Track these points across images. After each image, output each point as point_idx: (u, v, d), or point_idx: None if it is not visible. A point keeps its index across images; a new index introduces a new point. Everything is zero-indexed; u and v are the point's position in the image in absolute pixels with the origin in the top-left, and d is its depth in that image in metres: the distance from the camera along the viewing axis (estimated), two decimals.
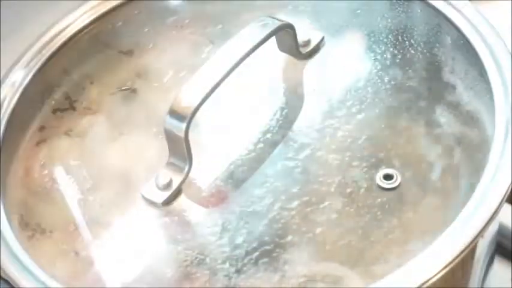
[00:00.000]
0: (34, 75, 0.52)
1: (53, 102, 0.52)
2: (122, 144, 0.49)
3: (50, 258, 0.44)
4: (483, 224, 0.41)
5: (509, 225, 0.58)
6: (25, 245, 0.44)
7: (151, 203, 0.46)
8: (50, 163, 0.49)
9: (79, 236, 0.45)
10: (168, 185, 0.46)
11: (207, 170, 0.47)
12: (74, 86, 0.53)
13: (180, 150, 0.45)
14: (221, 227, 0.44)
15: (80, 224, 0.46)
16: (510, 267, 0.59)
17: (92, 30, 0.54)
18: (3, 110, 0.50)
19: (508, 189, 0.43)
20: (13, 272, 0.43)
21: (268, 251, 0.43)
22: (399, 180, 0.45)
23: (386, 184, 0.45)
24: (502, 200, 0.42)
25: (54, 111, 0.52)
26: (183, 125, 0.44)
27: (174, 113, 0.45)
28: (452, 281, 0.44)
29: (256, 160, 0.47)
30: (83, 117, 0.51)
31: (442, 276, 0.40)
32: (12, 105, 0.50)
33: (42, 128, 0.51)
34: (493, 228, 0.49)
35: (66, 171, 0.49)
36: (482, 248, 0.47)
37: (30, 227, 0.46)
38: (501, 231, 0.52)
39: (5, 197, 0.47)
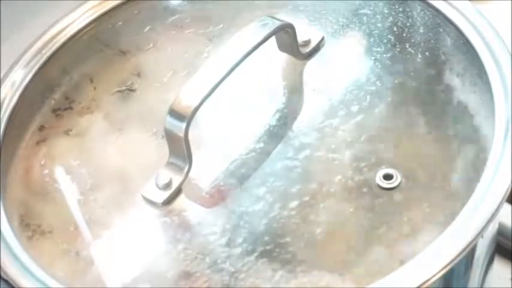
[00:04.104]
0: (34, 75, 0.52)
1: (53, 102, 0.52)
2: (122, 143, 0.49)
3: (50, 258, 0.44)
4: (483, 224, 0.41)
5: (509, 225, 0.58)
6: (25, 245, 0.44)
7: (151, 202, 0.46)
8: (50, 163, 0.49)
9: (79, 236, 0.45)
10: (168, 184, 0.46)
11: (207, 170, 0.47)
12: (73, 85, 0.53)
13: (180, 150, 0.45)
14: (221, 227, 0.44)
15: (80, 224, 0.46)
16: (510, 267, 0.59)
17: (92, 30, 0.54)
18: (3, 110, 0.50)
19: (508, 189, 0.43)
20: (13, 272, 0.43)
21: (268, 251, 0.43)
22: (399, 179, 0.45)
23: (386, 184, 0.45)
24: (502, 200, 0.42)
25: (54, 110, 0.52)
26: (183, 125, 0.44)
27: (174, 113, 0.45)
28: (452, 281, 0.44)
29: (256, 160, 0.47)
30: (82, 116, 0.51)
31: (442, 276, 0.40)
32: (12, 105, 0.50)
33: (42, 128, 0.51)
34: (493, 228, 0.49)
35: (66, 171, 0.49)
36: (482, 247, 0.47)
37: (30, 227, 0.46)
38: (501, 231, 0.52)
39: (5, 197, 0.47)
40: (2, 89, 0.51)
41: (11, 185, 0.48)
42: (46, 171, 0.49)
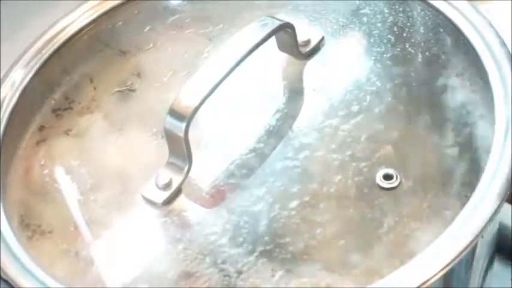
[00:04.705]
0: (34, 75, 0.52)
1: (53, 102, 0.52)
2: (122, 144, 0.49)
3: (50, 258, 0.44)
4: (483, 224, 0.41)
5: (509, 225, 0.58)
6: (25, 245, 0.44)
7: (151, 202, 0.46)
8: (50, 163, 0.49)
9: (79, 236, 0.45)
10: (168, 184, 0.46)
11: (207, 170, 0.47)
12: (73, 85, 0.53)
13: (180, 150, 0.45)
14: (221, 227, 0.44)
15: (79, 224, 0.46)
16: (510, 267, 0.59)
17: (92, 30, 0.54)
18: (3, 110, 0.50)
19: (508, 189, 0.43)
20: (13, 272, 0.43)
21: (268, 251, 0.43)
22: (399, 180, 0.45)
23: (386, 184, 0.45)
24: (502, 200, 0.42)
25: (54, 110, 0.52)
26: (183, 125, 0.44)
27: (174, 113, 0.45)
28: (453, 281, 0.44)
29: (256, 160, 0.47)
30: (82, 116, 0.51)
31: (442, 276, 0.40)
32: (12, 105, 0.50)
33: (42, 128, 0.51)
34: (493, 228, 0.49)
35: (66, 171, 0.48)
36: (482, 248, 0.47)
37: (30, 227, 0.46)
38: (501, 231, 0.52)
39: (5, 197, 0.47)
40: (2, 89, 0.51)
41: (11, 185, 0.48)
42: (46, 171, 0.49)
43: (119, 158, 0.48)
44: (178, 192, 0.46)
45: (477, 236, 0.41)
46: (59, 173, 0.49)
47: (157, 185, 0.46)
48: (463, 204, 0.42)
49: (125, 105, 0.51)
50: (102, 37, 0.55)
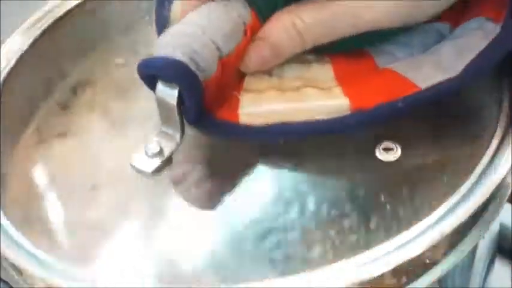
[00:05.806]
0: (33, 75, 0.52)
1: (53, 101, 0.52)
2: (122, 144, 0.49)
3: (50, 259, 0.44)
4: (483, 224, 0.41)
5: (510, 225, 0.59)
6: (25, 246, 0.44)
7: (141, 172, 0.45)
8: (50, 163, 0.49)
9: (79, 237, 0.45)
10: (159, 153, 0.45)
11: (206, 169, 0.47)
12: (73, 85, 0.53)
13: (171, 118, 0.45)
14: (221, 227, 0.44)
15: (80, 225, 0.46)
16: (510, 268, 0.59)
17: None
18: (2, 110, 0.50)
19: (509, 189, 0.43)
20: (13, 272, 0.43)
21: (267, 250, 0.43)
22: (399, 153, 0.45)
23: (386, 157, 0.44)
24: (502, 200, 0.42)
25: (54, 110, 0.52)
26: (175, 92, 0.44)
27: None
28: (454, 281, 0.44)
29: (255, 156, 0.47)
30: (82, 117, 0.51)
31: (443, 277, 0.40)
32: (11, 105, 0.50)
33: (41, 128, 0.51)
34: (493, 229, 0.49)
35: (66, 171, 0.48)
36: (483, 248, 0.47)
37: (30, 227, 0.46)
38: (501, 232, 0.52)
39: (5, 197, 0.47)
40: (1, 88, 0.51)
41: (10, 185, 0.48)
42: (46, 172, 0.48)
43: (119, 158, 0.48)
44: (168, 161, 0.46)
45: (477, 236, 0.41)
46: (59, 173, 0.48)
47: (147, 154, 0.45)
48: (464, 204, 0.42)
49: (124, 105, 0.51)
50: None
